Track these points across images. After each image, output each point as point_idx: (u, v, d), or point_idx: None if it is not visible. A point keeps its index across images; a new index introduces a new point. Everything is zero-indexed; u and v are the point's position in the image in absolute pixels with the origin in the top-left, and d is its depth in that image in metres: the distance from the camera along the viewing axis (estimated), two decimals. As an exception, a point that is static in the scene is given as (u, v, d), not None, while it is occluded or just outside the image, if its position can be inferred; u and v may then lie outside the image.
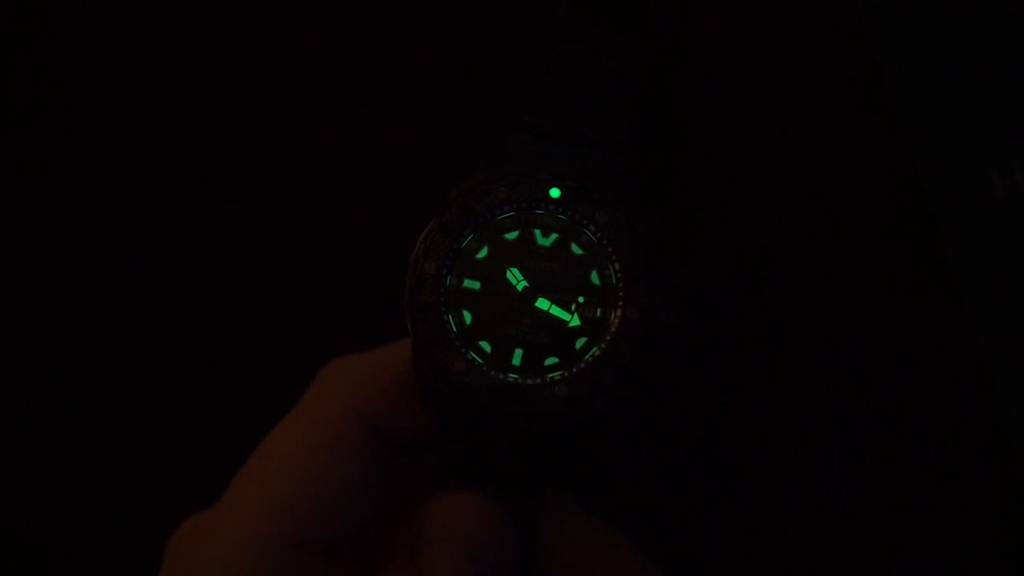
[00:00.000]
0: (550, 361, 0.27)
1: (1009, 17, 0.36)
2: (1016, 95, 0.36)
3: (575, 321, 0.27)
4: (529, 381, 0.26)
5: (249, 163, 0.38)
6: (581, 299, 0.27)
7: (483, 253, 0.27)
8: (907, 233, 0.37)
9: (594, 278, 0.27)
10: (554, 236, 0.27)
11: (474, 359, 0.26)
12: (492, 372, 0.26)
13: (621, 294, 0.27)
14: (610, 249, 0.27)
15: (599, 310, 0.27)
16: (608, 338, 0.27)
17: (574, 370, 0.26)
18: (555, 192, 0.27)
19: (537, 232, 0.27)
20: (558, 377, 0.26)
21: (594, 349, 0.27)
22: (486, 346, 0.27)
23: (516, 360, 0.27)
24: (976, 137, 0.36)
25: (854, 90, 0.37)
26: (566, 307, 0.27)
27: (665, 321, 0.27)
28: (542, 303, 0.27)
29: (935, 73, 0.36)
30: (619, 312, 0.27)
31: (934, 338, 0.36)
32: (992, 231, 0.35)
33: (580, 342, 0.27)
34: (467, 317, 0.27)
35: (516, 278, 0.27)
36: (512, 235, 0.27)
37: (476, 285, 0.27)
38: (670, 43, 0.37)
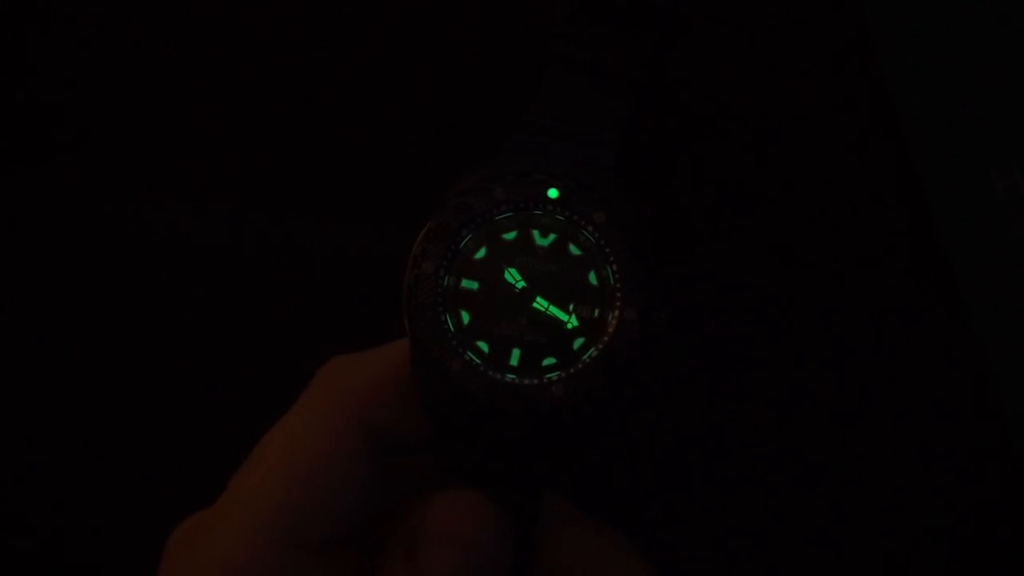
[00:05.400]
0: (548, 362, 0.27)
1: (1009, 17, 0.36)
2: (1016, 95, 0.36)
3: (573, 322, 0.27)
4: (526, 381, 0.26)
5: (249, 163, 0.38)
6: (579, 300, 0.27)
7: (481, 253, 0.27)
8: (907, 233, 0.37)
9: (592, 279, 0.27)
10: (552, 236, 0.27)
11: (471, 359, 0.26)
12: (489, 372, 0.26)
13: (618, 295, 0.27)
14: (608, 250, 0.27)
15: (597, 311, 0.27)
16: (605, 339, 0.27)
17: (571, 371, 0.26)
18: (553, 192, 0.27)
19: (535, 232, 0.27)
20: (555, 378, 0.26)
21: (591, 350, 0.27)
22: (484, 346, 0.27)
23: (514, 360, 0.27)
24: (976, 137, 0.36)
25: (854, 89, 0.37)
26: (564, 308, 0.27)
27: (660, 321, 0.27)
28: (540, 303, 0.27)
29: (935, 73, 0.36)
30: (616, 313, 0.27)
31: (933, 338, 0.36)
32: (992, 231, 0.35)
33: (578, 343, 0.27)
34: (465, 317, 0.27)
35: (514, 278, 0.27)
36: (510, 235, 0.27)
37: (474, 285, 0.27)
38: (670, 42, 0.37)
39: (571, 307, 0.27)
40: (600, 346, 0.27)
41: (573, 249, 0.27)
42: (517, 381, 0.26)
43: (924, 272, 0.36)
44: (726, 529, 0.36)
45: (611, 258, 0.27)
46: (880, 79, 0.37)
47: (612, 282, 0.27)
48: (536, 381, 0.26)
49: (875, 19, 0.36)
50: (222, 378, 0.37)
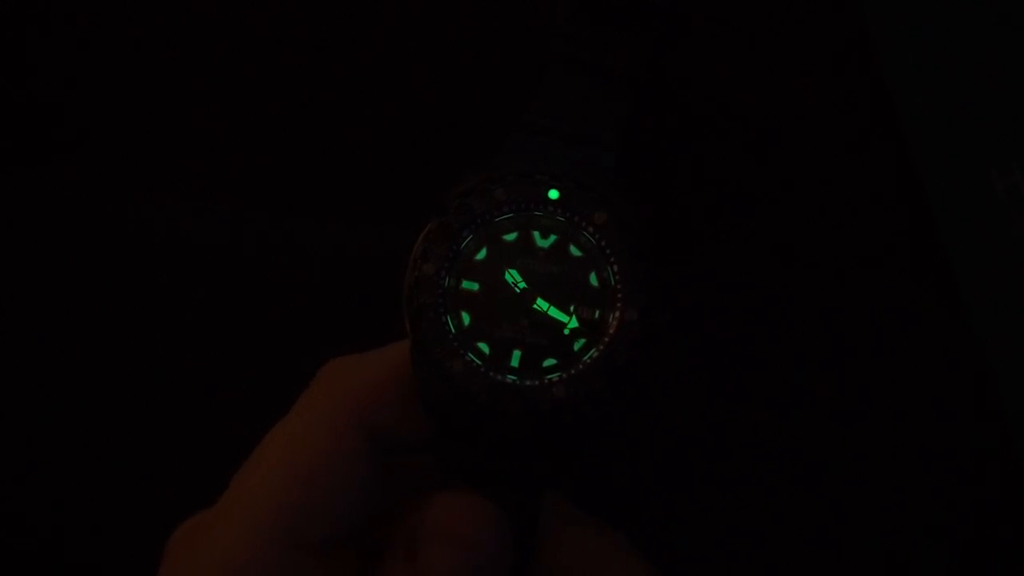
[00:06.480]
0: (548, 363, 0.27)
1: (1009, 17, 0.36)
2: (1016, 95, 0.36)
3: (573, 323, 0.27)
4: (527, 382, 0.26)
5: (249, 163, 0.38)
6: (579, 301, 0.27)
7: (482, 254, 0.27)
8: (907, 232, 0.37)
9: (592, 280, 0.27)
10: (553, 238, 0.27)
11: (472, 360, 0.26)
12: (490, 373, 0.26)
13: (619, 296, 0.27)
14: (608, 251, 0.27)
15: (597, 312, 0.27)
16: (606, 340, 0.27)
17: (572, 372, 0.26)
18: (554, 194, 0.27)
19: (536, 234, 0.27)
20: (556, 379, 0.26)
21: (592, 351, 0.27)
22: (484, 347, 0.27)
23: (514, 361, 0.27)
24: (976, 137, 0.36)
25: (854, 89, 0.37)
26: (564, 309, 0.27)
27: (661, 321, 0.27)
28: (540, 304, 0.27)
29: (935, 73, 0.36)
30: (617, 314, 0.27)
31: (933, 338, 0.36)
32: (992, 231, 0.35)
33: (578, 344, 0.27)
34: (465, 318, 0.27)
35: (515, 279, 0.27)
36: (511, 236, 0.27)
37: (475, 286, 0.27)
38: (670, 42, 0.37)
39: (572, 308, 0.27)
40: (601, 347, 0.27)
41: (574, 250, 0.27)
42: (518, 382, 0.26)
43: (924, 272, 0.36)
44: (726, 529, 0.36)
45: (612, 259, 0.27)
46: (880, 79, 0.37)
47: (613, 283, 0.27)
48: (537, 382, 0.26)
49: (875, 19, 0.36)
50: (222, 378, 0.37)
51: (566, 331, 0.27)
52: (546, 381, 0.26)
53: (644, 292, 0.27)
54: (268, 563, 0.25)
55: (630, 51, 0.30)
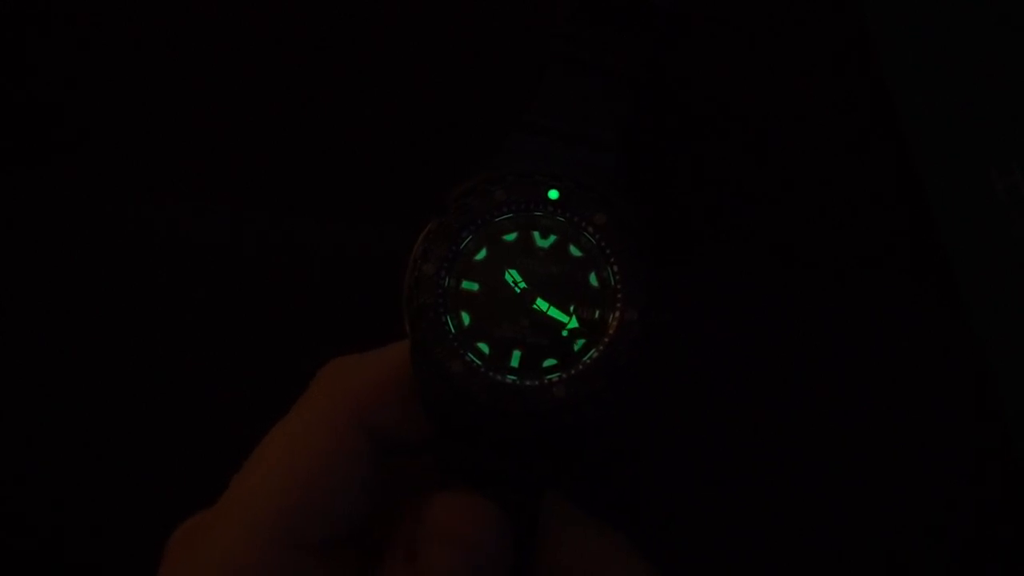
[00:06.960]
0: (548, 363, 0.27)
1: (1009, 17, 0.36)
2: (1016, 95, 0.36)
3: (573, 323, 0.27)
4: (527, 383, 0.26)
5: (249, 163, 0.38)
6: (579, 301, 0.27)
7: (482, 255, 0.27)
8: (907, 233, 0.37)
9: (592, 280, 0.27)
10: (553, 238, 0.27)
11: (472, 360, 0.26)
12: (490, 373, 0.26)
13: (619, 296, 0.27)
14: (608, 251, 0.27)
15: (597, 312, 0.27)
16: (606, 340, 0.27)
17: (572, 372, 0.26)
18: (554, 194, 0.27)
19: (536, 234, 0.28)
20: (556, 379, 0.26)
21: (592, 351, 0.27)
22: (484, 347, 0.27)
23: (514, 362, 0.27)
24: (976, 137, 0.36)
25: (854, 89, 0.37)
26: (564, 309, 0.27)
27: (661, 321, 0.27)
28: (540, 305, 0.27)
29: (935, 73, 0.36)
30: (617, 314, 0.27)
31: (933, 338, 0.36)
32: (992, 231, 0.35)
33: (578, 344, 0.27)
34: (465, 318, 0.27)
35: (515, 279, 0.27)
36: (511, 237, 0.27)
37: (475, 287, 0.27)
38: (670, 42, 0.37)
39: (572, 308, 0.27)
40: (601, 347, 0.27)
41: (574, 250, 0.27)
42: (518, 382, 0.26)
43: (924, 272, 0.36)
44: (726, 529, 0.36)
45: (611, 259, 0.27)
46: (880, 79, 0.37)
47: (613, 283, 0.27)
48: (537, 382, 0.26)
49: (875, 19, 0.36)
50: (222, 378, 0.37)
51: (566, 331, 0.27)
52: (546, 381, 0.26)
53: (644, 292, 0.27)
54: (268, 563, 0.25)
55: (630, 51, 0.30)
